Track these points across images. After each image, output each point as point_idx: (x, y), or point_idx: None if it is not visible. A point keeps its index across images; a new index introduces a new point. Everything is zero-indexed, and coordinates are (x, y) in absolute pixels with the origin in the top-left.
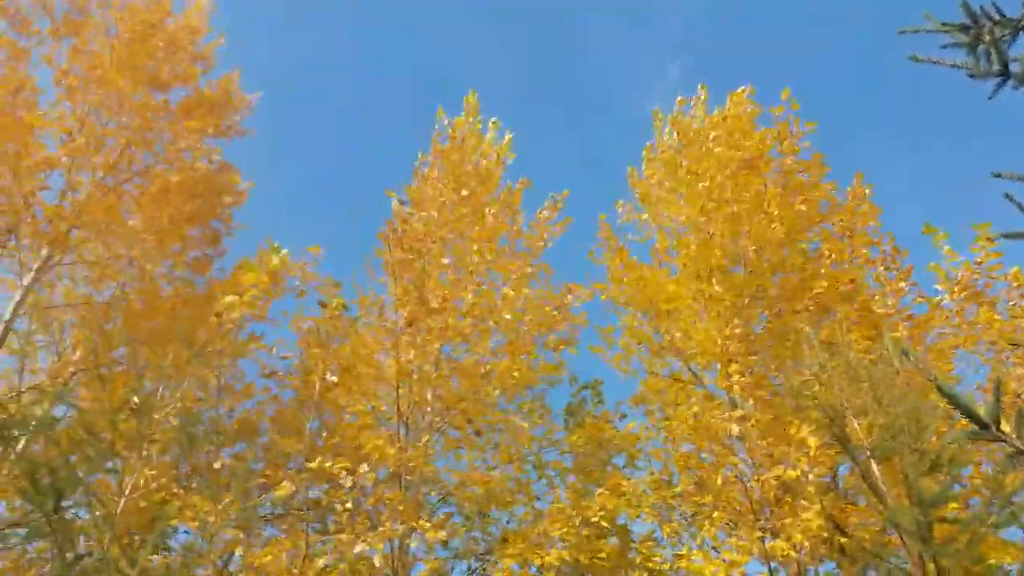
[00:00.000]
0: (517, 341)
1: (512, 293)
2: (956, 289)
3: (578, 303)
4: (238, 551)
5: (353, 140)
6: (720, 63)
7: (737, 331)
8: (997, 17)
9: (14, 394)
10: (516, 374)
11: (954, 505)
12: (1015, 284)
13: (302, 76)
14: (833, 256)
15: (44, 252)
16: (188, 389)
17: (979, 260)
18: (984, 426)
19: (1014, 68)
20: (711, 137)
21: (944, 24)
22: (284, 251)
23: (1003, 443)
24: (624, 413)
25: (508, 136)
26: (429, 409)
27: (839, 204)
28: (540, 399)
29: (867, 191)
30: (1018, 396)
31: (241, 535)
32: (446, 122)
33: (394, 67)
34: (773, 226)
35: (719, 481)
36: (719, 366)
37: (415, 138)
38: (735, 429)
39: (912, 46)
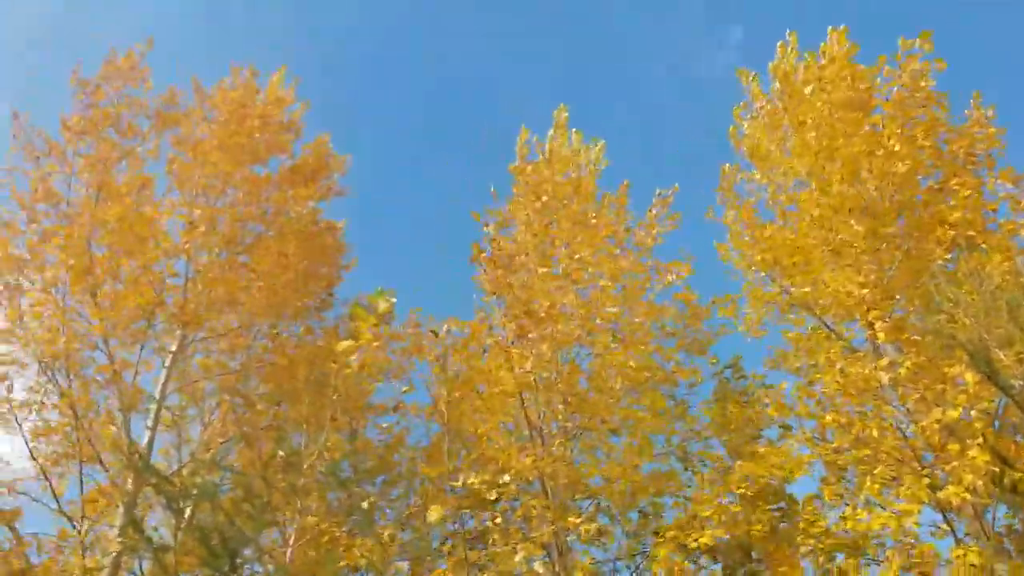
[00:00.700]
0: (630, 336)
1: (612, 291)
2: None
3: (680, 280)
4: None
5: (424, 162)
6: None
7: (872, 277)
8: None
9: (176, 468)
10: (632, 364)
11: None
12: None
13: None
14: (960, 186)
15: (179, 333)
16: (328, 436)
17: None
18: None
19: None
20: (813, 83)
21: None
22: (392, 298)
23: None
24: (767, 384)
25: (600, 143)
26: (559, 416)
27: (959, 130)
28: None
29: (988, 112)
30: None
31: (405, 567)
32: (534, 139)
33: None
34: (895, 164)
35: (875, 433)
36: (857, 316)
37: (489, 152)
38: (884, 378)
39: None
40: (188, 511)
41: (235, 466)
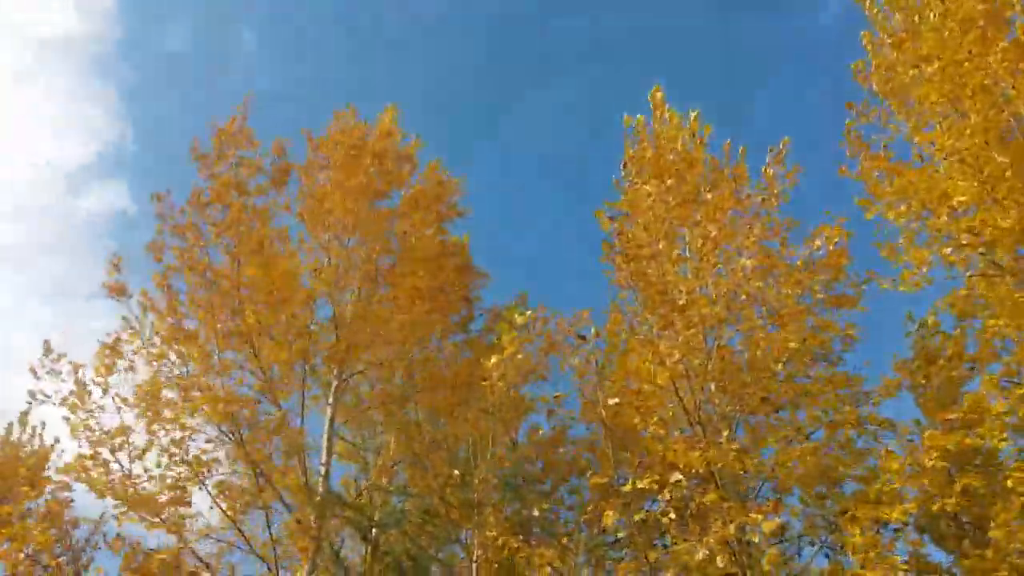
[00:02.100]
0: (782, 310)
1: (751, 262)
2: None
3: (830, 244)
4: None
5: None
6: None
7: None
8: None
9: (356, 497)
10: (792, 344)
11: None
12: None
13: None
14: None
15: (336, 370)
16: (494, 449)
17: None
18: None
19: None
20: (930, 8)
21: None
22: (529, 311)
23: None
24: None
25: (695, 112)
26: (717, 402)
27: None
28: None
29: None
30: None
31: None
32: (636, 123)
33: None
34: None
35: None
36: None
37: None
38: None
39: None
40: (375, 538)
41: (411, 489)
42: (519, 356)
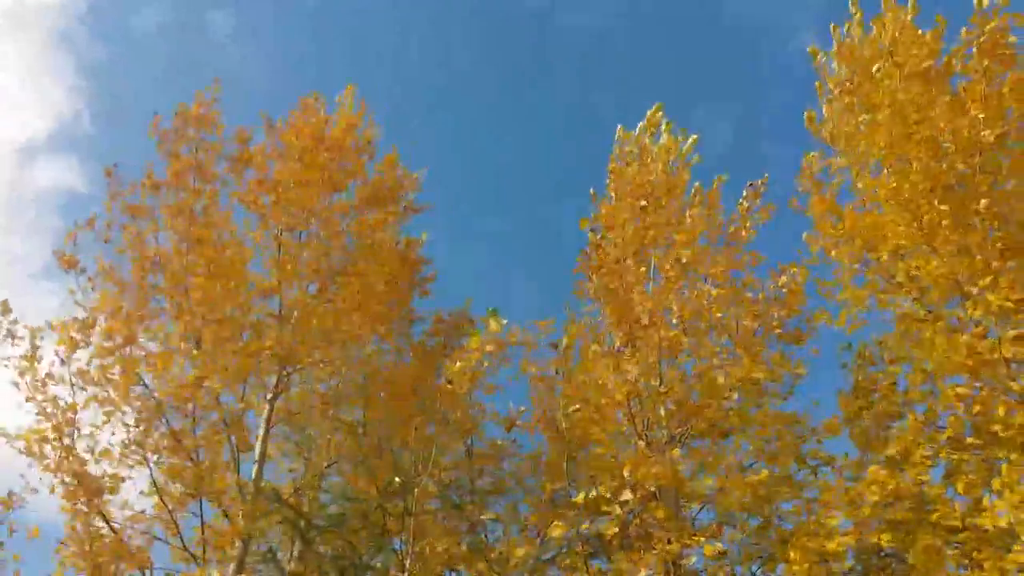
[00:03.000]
0: (739, 339)
1: (716, 292)
2: None
3: (794, 283)
4: None
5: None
6: None
7: (977, 257)
8: None
9: (292, 492)
10: (757, 375)
11: None
12: None
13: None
14: None
15: (277, 368)
16: (439, 459)
17: None
18: None
19: None
20: (879, 60)
21: None
22: (503, 319)
23: None
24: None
25: (693, 138)
26: (666, 424)
27: None
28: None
29: None
30: None
31: None
32: (630, 137)
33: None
34: (980, 132)
35: (1002, 412)
36: (959, 296)
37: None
38: (1008, 352)
39: None
40: (309, 539)
41: (350, 492)
42: (485, 364)
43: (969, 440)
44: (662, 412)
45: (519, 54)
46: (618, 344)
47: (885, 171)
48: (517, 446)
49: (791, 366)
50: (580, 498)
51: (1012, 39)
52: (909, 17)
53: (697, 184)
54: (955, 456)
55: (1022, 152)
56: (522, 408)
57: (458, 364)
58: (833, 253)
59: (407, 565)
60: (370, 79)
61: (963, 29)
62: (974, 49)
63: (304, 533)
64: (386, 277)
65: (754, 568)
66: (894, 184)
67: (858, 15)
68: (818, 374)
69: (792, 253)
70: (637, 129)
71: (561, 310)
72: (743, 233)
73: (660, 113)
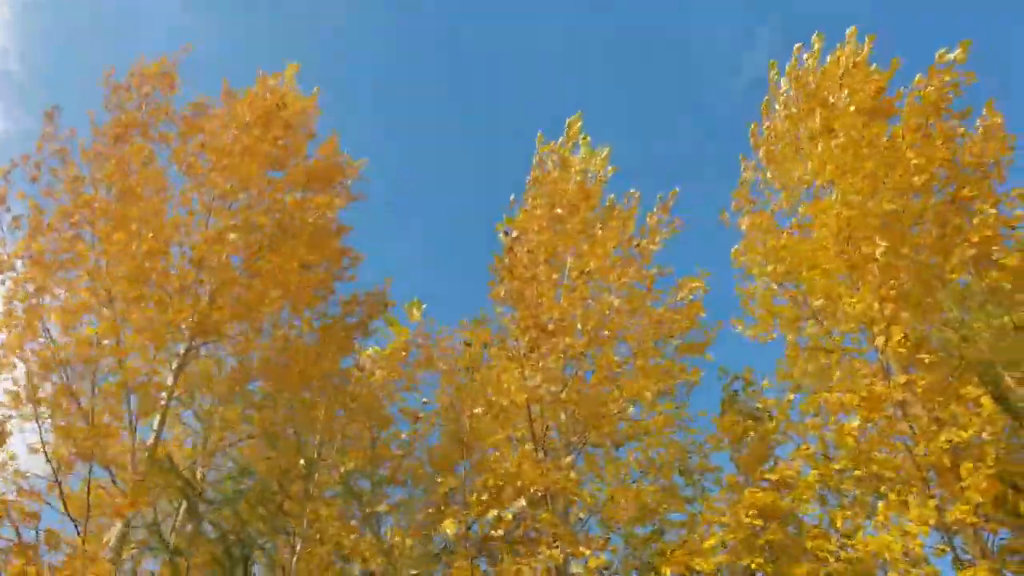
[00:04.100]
0: (639, 349)
1: (618, 302)
2: None
3: (690, 296)
4: None
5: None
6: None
7: (892, 292)
8: None
9: (191, 463)
10: (642, 382)
11: None
12: None
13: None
14: (978, 199)
15: (188, 336)
16: (345, 445)
17: None
18: None
19: None
20: (835, 89)
21: None
22: (424, 306)
23: None
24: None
25: (606, 150)
26: (564, 430)
27: (973, 139)
28: (681, 406)
29: (999, 119)
30: None
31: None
32: (547, 146)
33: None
34: (911, 176)
35: (889, 449)
36: (872, 332)
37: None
38: (899, 396)
39: None
40: (202, 513)
41: (251, 471)
42: (402, 354)
43: (857, 473)
44: (562, 418)
45: (468, 53)
46: (524, 349)
47: (822, 198)
48: (420, 438)
49: (687, 373)
50: (472, 498)
51: (960, 93)
52: (864, 55)
53: (611, 197)
54: (840, 487)
55: (944, 202)
56: (425, 400)
57: (369, 352)
58: (755, 271)
59: (298, 550)
60: (315, 62)
61: (917, 76)
62: (921, 98)
63: (195, 507)
64: (314, 259)
65: None
66: (835, 212)
67: (818, 44)
68: (711, 385)
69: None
70: (559, 140)
71: (484, 309)
72: (652, 247)
73: (579, 122)
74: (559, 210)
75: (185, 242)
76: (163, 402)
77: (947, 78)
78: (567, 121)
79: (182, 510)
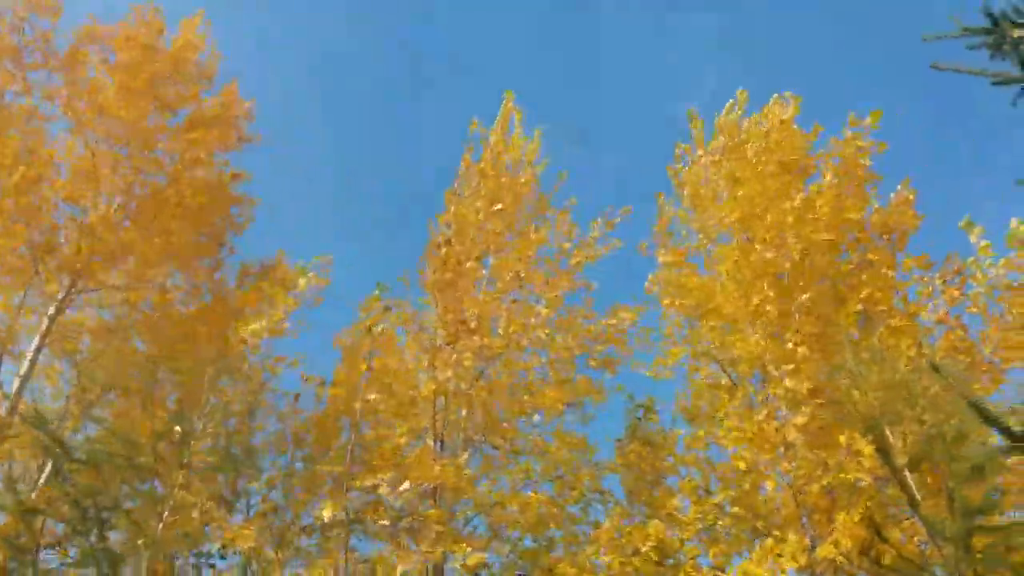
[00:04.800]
0: (556, 360)
1: (545, 311)
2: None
3: (625, 325)
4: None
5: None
6: (760, 65)
7: (788, 342)
8: (1018, 20)
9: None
10: (553, 394)
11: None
12: None
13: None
14: (877, 263)
15: (67, 282)
16: (220, 413)
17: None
18: (1018, 439)
19: None
20: (753, 143)
21: (966, 28)
22: (312, 273)
23: None
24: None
25: (537, 135)
26: (465, 428)
27: (882, 211)
28: (582, 420)
29: (911, 196)
30: None
31: (278, 555)
32: (480, 132)
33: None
34: (821, 232)
35: (771, 487)
36: (761, 375)
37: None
38: (791, 436)
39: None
40: (62, 469)
41: (120, 428)
42: (286, 324)
43: (735, 510)
44: (464, 415)
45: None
46: (442, 341)
47: (732, 242)
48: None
49: (596, 390)
50: (357, 483)
51: (868, 162)
52: (790, 114)
53: (541, 193)
54: (719, 523)
55: (848, 262)
56: (308, 376)
57: (253, 325)
58: (665, 302)
59: (164, 516)
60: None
61: (832, 138)
62: (838, 159)
63: (57, 463)
64: (202, 209)
65: None
66: (736, 258)
67: (743, 97)
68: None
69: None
70: (492, 126)
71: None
72: (584, 260)
73: (511, 103)
74: (499, 205)
75: (56, 180)
76: (32, 349)
77: (859, 144)
78: (501, 106)
79: (43, 465)
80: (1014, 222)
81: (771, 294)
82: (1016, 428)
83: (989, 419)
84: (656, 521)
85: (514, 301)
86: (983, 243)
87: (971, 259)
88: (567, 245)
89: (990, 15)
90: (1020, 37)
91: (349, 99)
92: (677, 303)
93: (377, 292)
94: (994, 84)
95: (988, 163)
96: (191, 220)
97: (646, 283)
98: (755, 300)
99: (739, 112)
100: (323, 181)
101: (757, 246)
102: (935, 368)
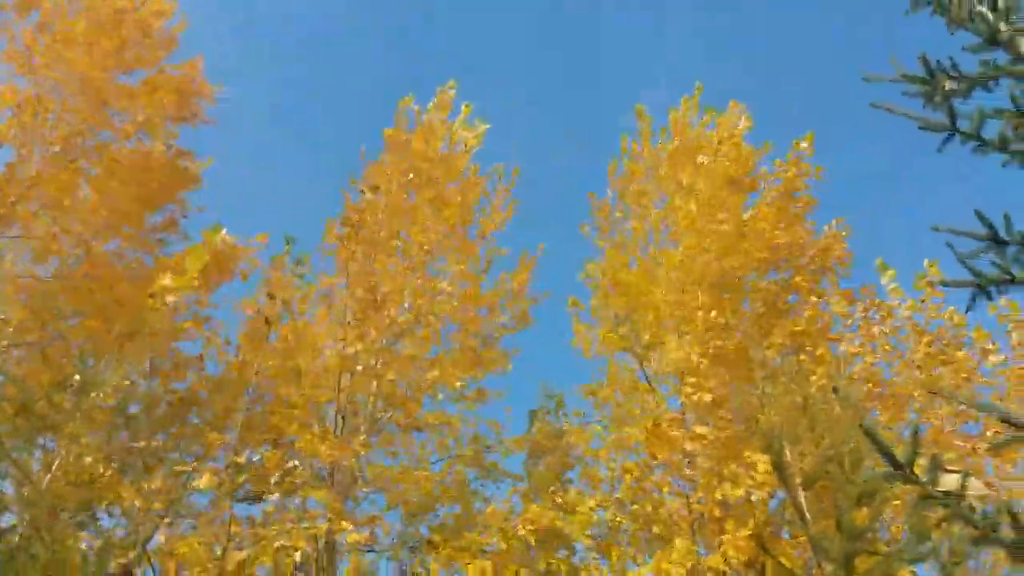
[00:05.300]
0: (463, 337)
1: (449, 288)
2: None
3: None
4: (160, 536)
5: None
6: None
7: (710, 350)
8: (953, 73)
9: None
10: (451, 370)
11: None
12: (951, 323)
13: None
14: (803, 289)
15: None
16: (124, 369)
17: (923, 299)
18: (899, 467)
19: (961, 125)
20: (703, 152)
21: (904, 75)
22: (224, 232)
23: (916, 485)
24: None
25: (483, 127)
26: (370, 404)
27: (816, 244)
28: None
29: (844, 233)
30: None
31: (165, 520)
32: (415, 108)
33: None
34: (757, 253)
35: (666, 490)
36: (679, 380)
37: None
38: (689, 446)
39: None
40: None
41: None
42: (196, 284)
43: (635, 508)
44: (372, 389)
45: None
46: (351, 316)
47: (675, 246)
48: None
49: (504, 362)
50: (242, 459)
51: (807, 186)
52: (741, 129)
53: (477, 177)
54: (617, 519)
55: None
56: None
57: (163, 280)
58: (598, 296)
59: (53, 467)
60: None
61: (775, 160)
62: (778, 182)
63: None
64: (147, 173)
65: (404, 562)
66: (679, 260)
67: (697, 95)
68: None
69: None
70: (429, 104)
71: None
72: (491, 227)
73: (452, 92)
74: (418, 179)
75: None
76: None
77: (802, 166)
78: (438, 89)
79: None
80: (926, 263)
81: (707, 301)
82: (900, 457)
83: (877, 445)
84: (534, 506)
85: (423, 275)
86: (892, 285)
87: (879, 300)
88: (474, 214)
89: (926, 65)
90: (951, 90)
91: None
92: (610, 298)
93: (287, 249)
94: (920, 129)
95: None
96: (132, 185)
97: (587, 266)
98: (692, 306)
99: (692, 111)
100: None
101: (701, 256)
102: (836, 392)
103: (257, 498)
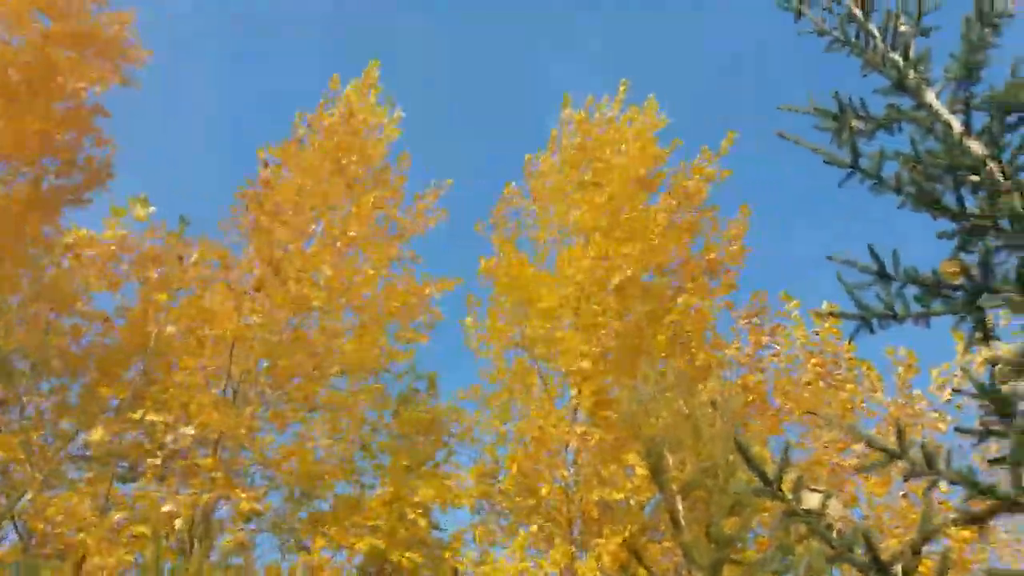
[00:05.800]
0: (370, 323)
1: (372, 272)
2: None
3: (437, 296)
4: (29, 494)
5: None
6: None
7: (596, 349)
8: (861, 112)
9: None
10: (360, 356)
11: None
12: (846, 354)
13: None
14: (692, 292)
15: None
16: (13, 317)
17: (817, 331)
18: (768, 483)
19: (863, 163)
20: (611, 147)
21: (817, 108)
22: (152, 207)
23: (781, 501)
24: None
25: (398, 113)
26: (263, 379)
27: (712, 247)
28: (380, 387)
29: (744, 229)
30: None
31: (36, 475)
32: (342, 89)
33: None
34: (652, 255)
35: (545, 490)
36: (571, 378)
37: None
38: (573, 444)
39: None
40: None
41: None
42: (111, 248)
43: (518, 499)
44: (265, 366)
45: None
46: (250, 285)
47: (578, 244)
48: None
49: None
50: (138, 415)
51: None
52: (651, 125)
53: (387, 163)
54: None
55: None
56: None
57: (80, 233)
58: (494, 292)
59: None
60: None
61: (683, 162)
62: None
63: None
64: (50, 119)
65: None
66: (580, 259)
67: (622, 92)
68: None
69: None
70: (349, 85)
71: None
72: (413, 228)
73: (377, 72)
74: (337, 160)
75: None
76: None
77: (708, 170)
78: (364, 70)
79: None
80: (825, 305)
81: (603, 300)
82: (769, 473)
83: (748, 460)
84: (418, 483)
85: (341, 259)
86: (795, 313)
87: (778, 325)
88: (396, 211)
89: (839, 102)
90: (858, 129)
91: None
92: (506, 294)
93: (181, 227)
94: (825, 163)
95: None
96: (37, 126)
97: (481, 263)
98: (594, 307)
99: (613, 107)
100: None
101: (605, 256)
102: (713, 404)
103: (134, 479)
